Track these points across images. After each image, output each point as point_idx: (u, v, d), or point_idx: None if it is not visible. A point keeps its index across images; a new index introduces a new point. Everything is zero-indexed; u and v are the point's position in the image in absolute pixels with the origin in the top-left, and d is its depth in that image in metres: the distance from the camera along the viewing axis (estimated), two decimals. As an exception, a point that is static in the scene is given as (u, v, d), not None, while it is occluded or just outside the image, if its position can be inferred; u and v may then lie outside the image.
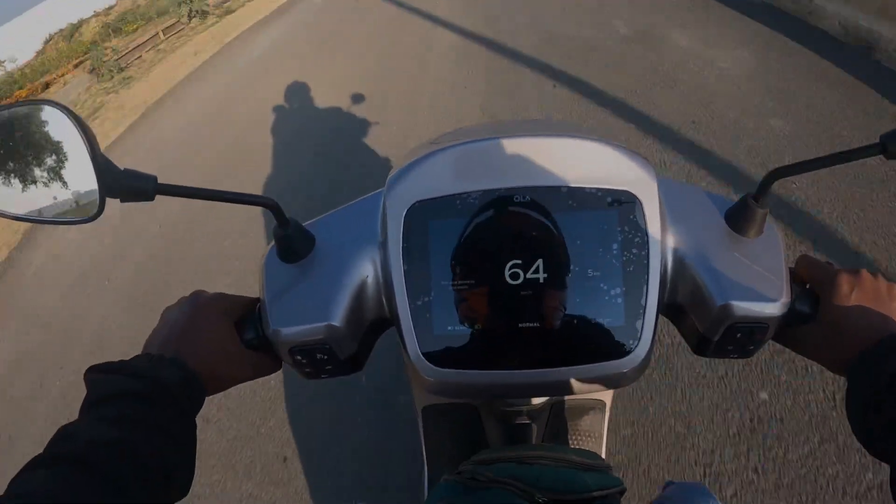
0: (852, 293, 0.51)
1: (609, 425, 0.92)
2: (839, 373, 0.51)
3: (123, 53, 8.56)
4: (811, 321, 0.53)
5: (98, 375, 0.46)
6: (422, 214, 0.52)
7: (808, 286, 0.56)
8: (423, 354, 0.52)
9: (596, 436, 0.90)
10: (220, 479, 1.87)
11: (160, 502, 0.41)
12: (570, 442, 0.88)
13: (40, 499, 0.35)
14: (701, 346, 0.56)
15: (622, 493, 0.60)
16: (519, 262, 0.51)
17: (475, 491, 0.57)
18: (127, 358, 0.48)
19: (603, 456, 0.89)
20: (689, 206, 0.56)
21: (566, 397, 0.87)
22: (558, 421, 0.87)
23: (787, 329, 0.54)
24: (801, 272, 0.57)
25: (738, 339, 0.53)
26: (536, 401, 0.76)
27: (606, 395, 0.92)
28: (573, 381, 0.53)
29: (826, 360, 0.53)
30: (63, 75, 10.48)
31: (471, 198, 0.52)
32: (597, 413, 0.90)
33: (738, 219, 0.54)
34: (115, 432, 0.41)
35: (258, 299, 0.58)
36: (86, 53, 10.47)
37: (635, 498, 1.48)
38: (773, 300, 0.51)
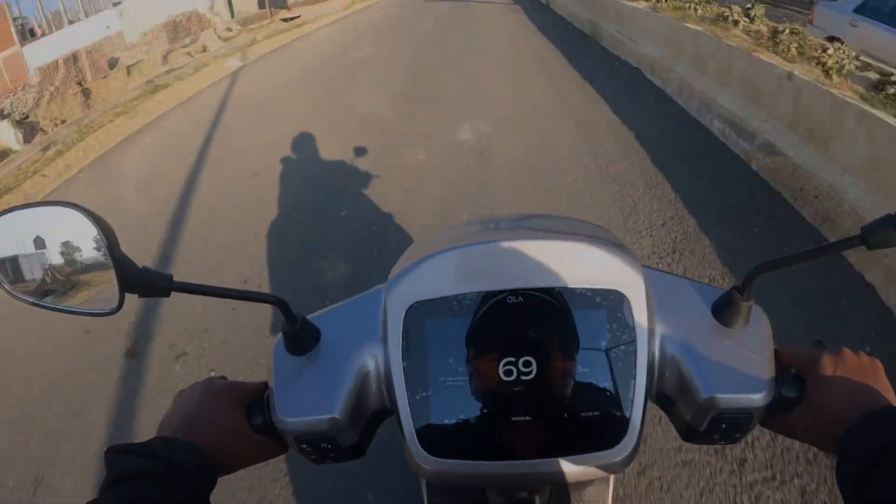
0: (836, 373, 0.53)
1: (613, 497, 0.91)
2: (828, 451, 0.52)
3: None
4: (797, 405, 0.54)
5: (117, 456, 0.49)
6: (420, 314, 0.55)
7: (793, 371, 0.57)
8: (421, 445, 0.54)
9: None
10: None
11: None
12: None
13: None
14: (688, 434, 0.58)
15: None
16: (512, 359, 0.53)
17: None
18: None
19: None
20: (677, 298, 0.59)
21: None
22: (561, 495, 0.87)
23: (775, 415, 0.56)
24: (785, 358, 0.58)
25: (724, 428, 0.55)
26: None
27: None
28: (565, 471, 0.54)
29: (815, 441, 0.54)
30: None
31: (466, 299, 0.55)
32: (600, 485, 0.89)
33: (723, 311, 0.56)
34: None
35: (266, 385, 0.61)
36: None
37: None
38: (757, 391, 0.53)
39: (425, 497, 0.91)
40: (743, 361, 0.54)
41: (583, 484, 0.89)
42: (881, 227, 0.47)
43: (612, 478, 0.91)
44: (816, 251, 0.53)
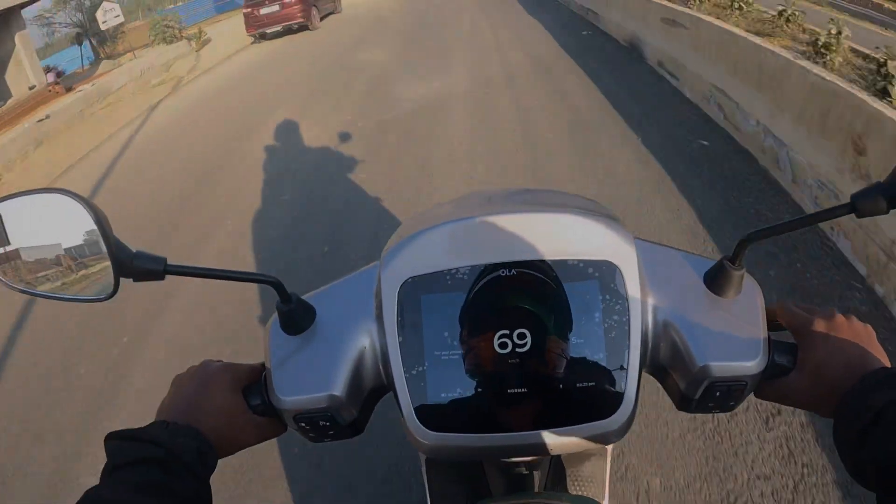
0: (829, 337, 0.53)
1: (611, 472, 0.93)
2: (826, 415, 0.52)
3: None
4: (791, 372, 0.55)
5: (117, 443, 0.49)
6: (414, 289, 0.56)
7: (786, 341, 0.57)
8: (419, 420, 0.55)
9: (598, 482, 0.91)
10: None
11: None
12: (572, 489, 0.89)
13: None
14: (683, 403, 0.58)
15: None
16: (507, 332, 0.54)
17: None
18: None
19: (605, 502, 0.89)
20: (669, 269, 0.59)
21: None
22: (559, 469, 0.88)
23: (770, 382, 0.56)
24: (778, 318, 0.59)
25: (718, 396, 0.56)
26: None
27: None
28: (561, 442, 0.55)
29: (812, 406, 0.54)
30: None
31: (460, 273, 0.55)
32: (598, 459, 0.91)
33: (715, 280, 0.57)
34: (137, 498, 0.44)
35: (263, 366, 0.61)
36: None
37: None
38: (751, 359, 0.54)
39: (425, 475, 0.93)
40: (736, 330, 0.55)
41: (580, 459, 0.90)
42: (871, 195, 0.48)
43: (609, 453, 0.93)
44: (806, 220, 0.53)
